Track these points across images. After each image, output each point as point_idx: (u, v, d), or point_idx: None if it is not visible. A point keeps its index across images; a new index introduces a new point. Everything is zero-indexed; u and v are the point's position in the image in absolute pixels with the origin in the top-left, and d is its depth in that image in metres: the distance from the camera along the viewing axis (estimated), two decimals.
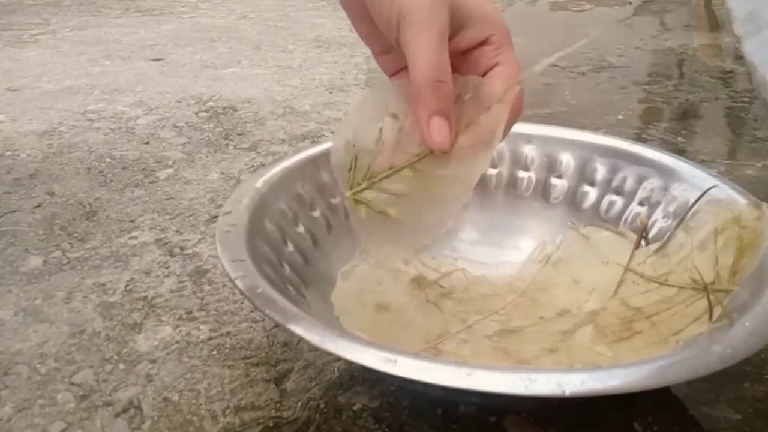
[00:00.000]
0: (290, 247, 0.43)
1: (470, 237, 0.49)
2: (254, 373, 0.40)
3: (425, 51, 0.31)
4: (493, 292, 0.45)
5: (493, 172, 0.51)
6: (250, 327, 0.44)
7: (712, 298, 0.36)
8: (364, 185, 0.35)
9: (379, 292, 0.44)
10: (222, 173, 0.67)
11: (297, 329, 0.31)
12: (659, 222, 0.44)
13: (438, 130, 0.32)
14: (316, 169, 0.47)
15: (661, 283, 0.40)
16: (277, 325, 0.43)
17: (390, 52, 0.36)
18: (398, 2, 0.31)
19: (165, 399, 0.38)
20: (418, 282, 0.45)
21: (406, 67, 0.33)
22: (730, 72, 1.01)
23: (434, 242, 0.48)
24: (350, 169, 0.36)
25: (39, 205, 0.61)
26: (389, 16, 0.32)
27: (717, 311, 0.35)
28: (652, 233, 0.44)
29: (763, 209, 0.38)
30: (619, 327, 0.38)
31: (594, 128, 0.77)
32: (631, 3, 1.53)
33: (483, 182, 0.50)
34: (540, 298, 0.44)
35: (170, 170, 0.68)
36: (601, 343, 0.38)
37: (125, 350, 0.42)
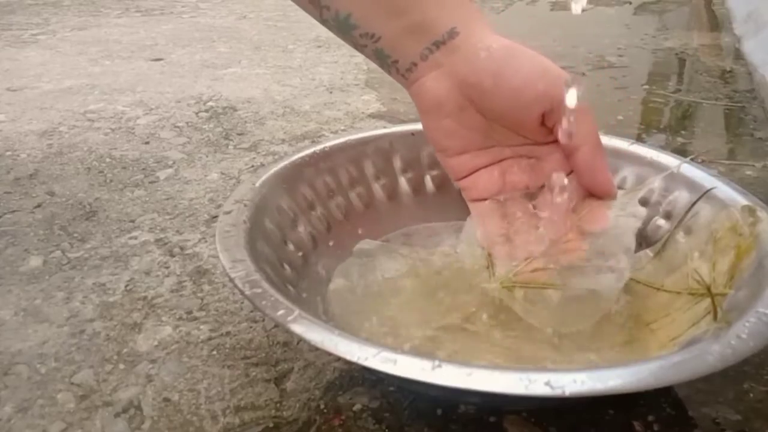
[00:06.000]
0: (290, 247, 0.43)
1: (470, 238, 0.49)
2: (254, 373, 0.40)
3: (594, 125, 0.38)
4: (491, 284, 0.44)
5: None
6: (250, 327, 0.44)
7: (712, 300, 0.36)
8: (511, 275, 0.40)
9: (378, 287, 0.44)
10: (222, 173, 0.67)
11: (297, 329, 0.31)
12: (658, 222, 0.44)
13: (612, 182, 0.39)
14: (316, 169, 0.47)
15: (658, 289, 0.40)
16: (277, 325, 0.43)
17: (468, 152, 0.40)
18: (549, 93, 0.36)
19: (165, 399, 0.38)
20: (416, 274, 0.45)
21: (481, 168, 0.40)
22: (730, 72, 1.01)
23: (431, 241, 0.48)
24: (488, 266, 0.41)
25: (39, 205, 0.61)
26: (532, 101, 0.37)
27: (717, 313, 0.35)
28: (652, 233, 0.44)
29: (757, 214, 0.38)
30: (620, 335, 0.38)
31: None
32: (631, 3, 1.53)
33: None
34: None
35: (170, 170, 0.68)
36: (602, 349, 0.38)
37: (125, 350, 0.42)
